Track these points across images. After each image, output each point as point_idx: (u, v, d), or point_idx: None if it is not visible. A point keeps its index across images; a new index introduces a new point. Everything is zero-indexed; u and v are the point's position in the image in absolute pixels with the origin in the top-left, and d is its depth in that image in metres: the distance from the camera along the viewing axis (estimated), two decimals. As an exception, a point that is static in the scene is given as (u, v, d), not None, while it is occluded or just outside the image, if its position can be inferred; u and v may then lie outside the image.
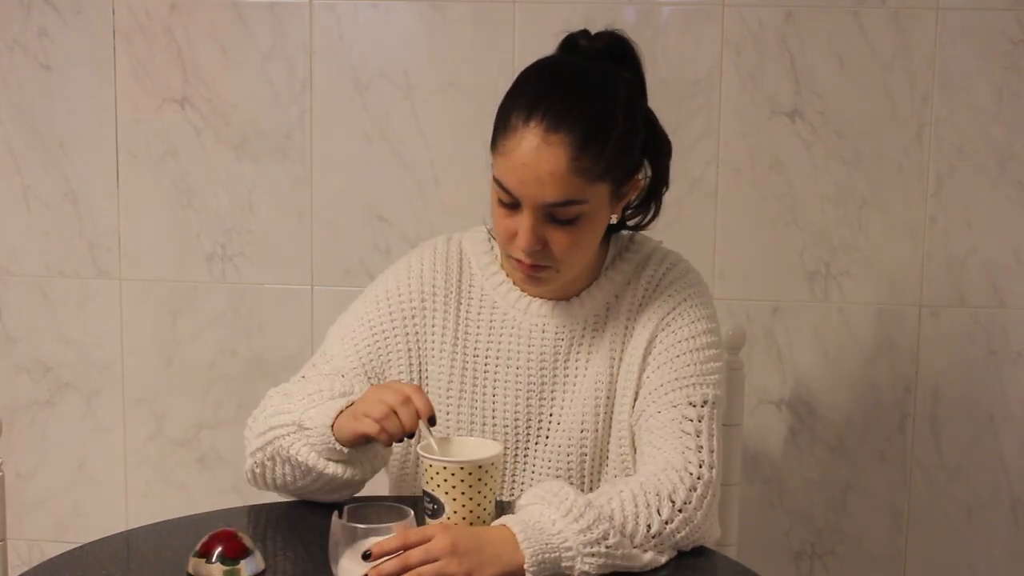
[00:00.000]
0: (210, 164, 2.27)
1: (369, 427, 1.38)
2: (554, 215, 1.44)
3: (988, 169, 2.13)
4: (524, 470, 1.57)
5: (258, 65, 2.24)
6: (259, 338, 2.30)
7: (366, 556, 1.21)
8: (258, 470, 1.52)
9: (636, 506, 1.34)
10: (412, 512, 1.25)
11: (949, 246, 2.15)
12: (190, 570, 1.29)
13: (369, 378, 1.57)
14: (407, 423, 1.37)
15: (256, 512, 1.53)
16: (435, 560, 1.23)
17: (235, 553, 1.28)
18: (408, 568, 1.21)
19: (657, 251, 1.60)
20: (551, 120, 1.41)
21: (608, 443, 1.55)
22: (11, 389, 2.37)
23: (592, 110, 1.43)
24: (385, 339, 1.59)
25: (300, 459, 1.45)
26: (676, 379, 1.50)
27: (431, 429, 1.38)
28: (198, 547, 1.29)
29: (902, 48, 2.11)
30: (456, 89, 2.19)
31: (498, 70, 2.15)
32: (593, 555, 1.29)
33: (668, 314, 1.54)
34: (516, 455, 1.57)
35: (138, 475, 2.36)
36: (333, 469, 1.45)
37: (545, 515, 1.30)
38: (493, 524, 1.31)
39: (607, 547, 1.30)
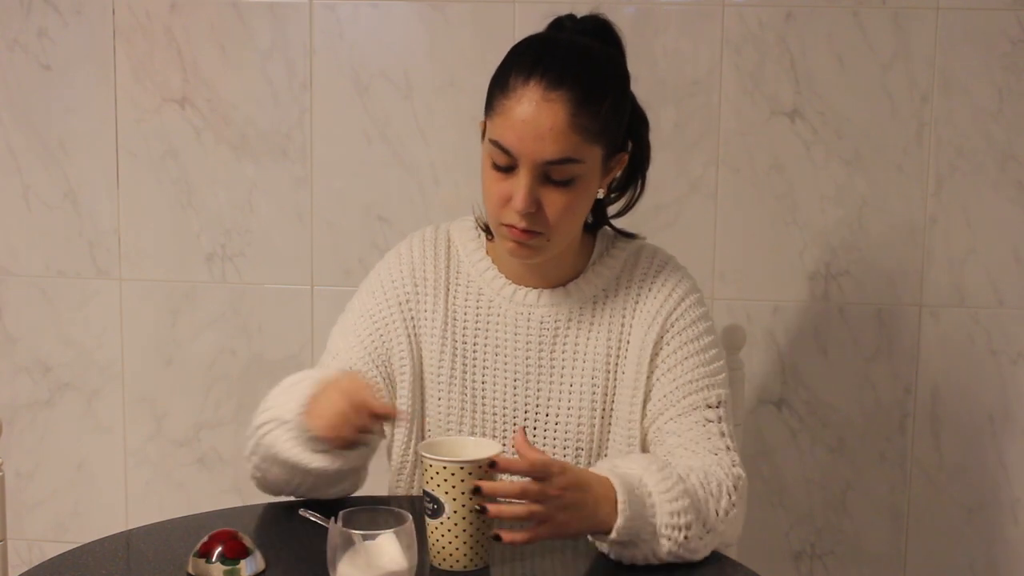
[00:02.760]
0: (210, 164, 2.27)
1: (323, 432, 1.40)
2: (550, 175, 1.45)
3: (988, 169, 2.13)
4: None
5: (258, 65, 2.24)
6: (259, 338, 2.30)
7: (492, 464, 1.27)
8: (258, 475, 1.52)
9: (706, 493, 1.39)
10: (411, 517, 1.24)
11: (949, 246, 2.15)
12: (190, 570, 1.29)
13: (378, 367, 1.58)
14: (360, 426, 1.38)
15: (256, 512, 1.53)
16: (545, 501, 1.27)
17: (235, 553, 1.28)
18: (523, 495, 1.26)
19: (645, 247, 1.62)
20: (551, 78, 1.44)
21: (607, 440, 1.56)
22: (11, 389, 2.37)
23: (589, 72, 1.46)
24: (386, 326, 1.60)
25: (283, 457, 1.44)
26: (689, 383, 1.53)
27: (397, 424, 1.38)
28: (198, 547, 1.29)
29: (902, 48, 2.11)
30: (456, 89, 2.20)
31: (498, 70, 2.15)
32: (669, 539, 1.32)
33: (671, 315, 1.55)
34: (506, 444, 1.57)
35: (138, 475, 2.36)
36: (319, 462, 1.43)
37: (645, 487, 1.34)
38: (600, 474, 1.33)
39: (686, 537, 1.33)
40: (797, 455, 2.22)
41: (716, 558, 1.40)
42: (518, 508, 1.27)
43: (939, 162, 2.14)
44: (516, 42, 1.55)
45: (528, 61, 1.46)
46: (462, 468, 1.31)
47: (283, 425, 1.44)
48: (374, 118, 2.22)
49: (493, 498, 1.28)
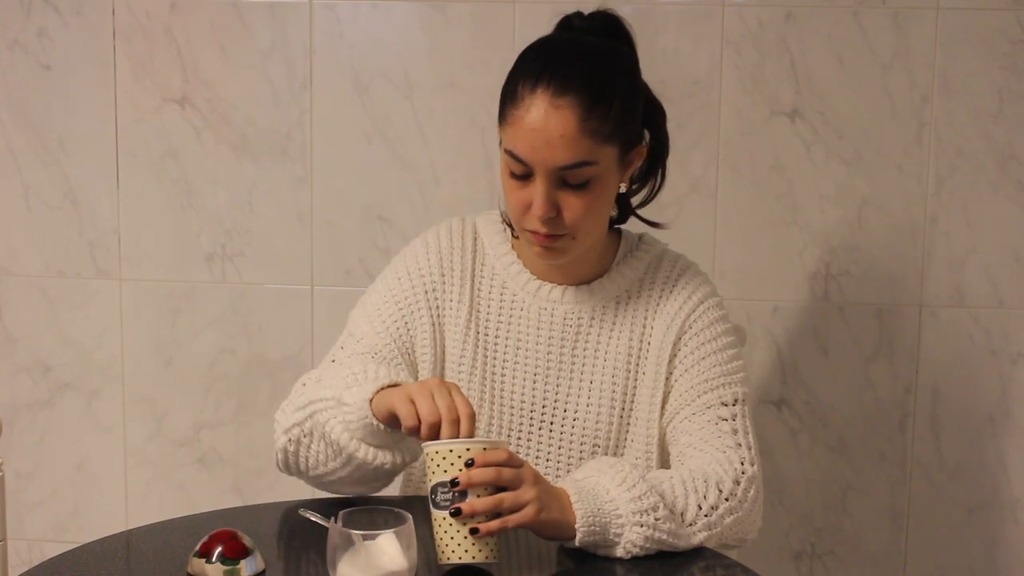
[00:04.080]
0: (210, 164, 2.27)
1: (406, 414, 1.34)
2: (566, 179, 1.46)
3: (988, 169, 2.13)
4: (528, 455, 1.58)
5: (258, 65, 2.24)
6: (259, 338, 2.30)
7: (469, 463, 1.28)
8: (291, 448, 1.48)
9: (685, 489, 1.40)
10: (411, 517, 1.24)
11: (949, 246, 2.15)
12: (190, 570, 1.29)
13: (402, 354, 1.58)
14: (443, 436, 1.33)
15: (256, 512, 1.53)
16: (520, 485, 1.30)
17: (235, 553, 1.28)
18: (499, 479, 1.29)
19: (668, 252, 1.64)
20: (557, 85, 1.44)
21: (625, 439, 1.58)
22: (11, 389, 2.37)
23: (596, 74, 1.46)
24: (412, 313, 1.60)
25: (333, 437, 1.43)
26: (705, 381, 1.54)
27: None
28: (198, 547, 1.29)
29: (902, 48, 2.11)
30: (456, 89, 2.19)
31: (498, 70, 2.13)
32: (641, 525, 1.34)
33: (689, 316, 1.57)
34: (520, 438, 1.58)
35: (138, 475, 2.36)
36: (364, 453, 1.42)
37: (600, 483, 1.37)
38: (554, 485, 1.36)
39: (656, 519, 1.35)
40: (797, 455, 2.22)
41: (716, 558, 1.40)
42: (487, 499, 1.29)
43: (939, 162, 2.14)
44: (521, 44, 1.54)
45: (534, 68, 1.46)
46: (484, 449, 1.31)
47: (342, 407, 1.42)
48: (374, 118, 2.22)
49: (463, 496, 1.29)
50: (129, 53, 2.26)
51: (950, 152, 2.13)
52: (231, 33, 2.23)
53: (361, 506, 1.28)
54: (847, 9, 2.11)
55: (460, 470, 1.29)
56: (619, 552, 1.35)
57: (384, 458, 1.43)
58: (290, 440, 1.48)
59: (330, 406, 1.44)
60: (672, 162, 2.14)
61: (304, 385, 1.53)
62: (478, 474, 1.28)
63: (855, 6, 2.11)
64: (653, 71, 2.15)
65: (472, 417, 1.34)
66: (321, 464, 1.47)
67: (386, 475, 1.47)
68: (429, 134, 2.22)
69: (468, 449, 1.30)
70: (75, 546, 1.39)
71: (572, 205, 1.47)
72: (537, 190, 1.46)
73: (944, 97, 2.12)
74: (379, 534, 1.22)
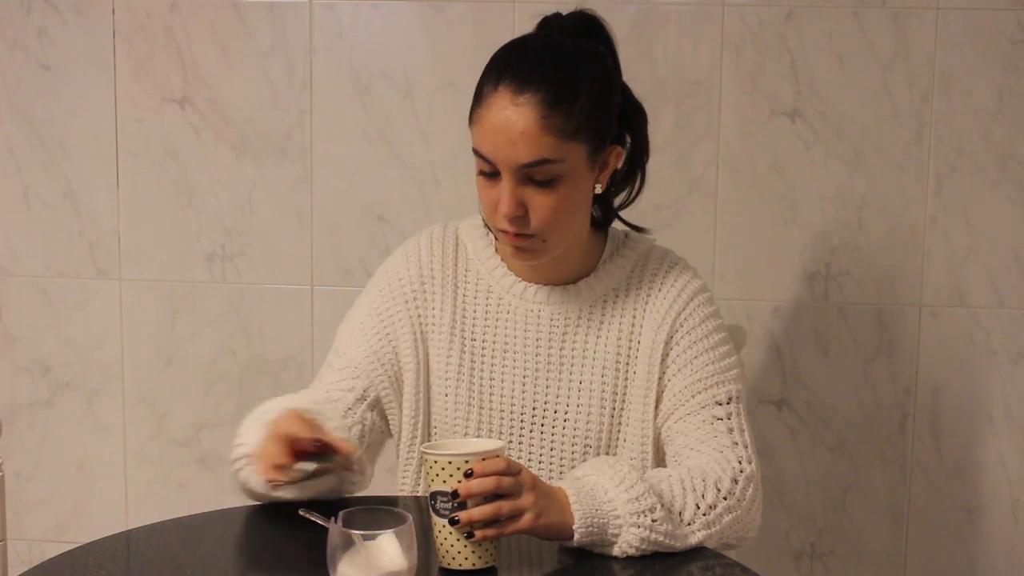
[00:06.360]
0: (210, 164, 2.27)
1: (263, 476, 1.43)
2: (531, 176, 1.46)
3: (988, 169, 2.13)
4: (520, 458, 1.58)
5: (258, 65, 2.24)
6: (259, 338, 2.30)
7: (468, 474, 1.28)
8: (246, 496, 1.55)
9: (683, 488, 1.40)
10: (411, 517, 1.24)
11: (949, 246, 2.15)
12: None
13: (383, 366, 1.59)
14: (286, 463, 1.41)
15: (256, 512, 1.53)
16: (519, 492, 1.30)
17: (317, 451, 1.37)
18: (498, 488, 1.29)
19: (655, 249, 1.63)
20: (518, 82, 1.44)
21: (617, 439, 1.57)
22: (11, 389, 2.37)
23: (559, 71, 1.46)
24: (393, 324, 1.61)
25: (255, 489, 1.50)
26: (698, 381, 1.53)
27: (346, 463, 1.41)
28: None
29: (902, 48, 2.11)
30: (456, 89, 2.19)
31: (498, 70, 2.14)
32: (638, 527, 1.34)
33: (680, 314, 1.56)
34: (511, 441, 1.58)
35: (138, 475, 2.36)
36: (287, 494, 1.46)
37: (599, 483, 1.37)
38: (552, 486, 1.36)
39: (652, 520, 1.34)
40: (797, 455, 2.22)
41: (715, 557, 1.40)
42: (485, 508, 1.29)
43: (939, 162, 2.14)
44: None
45: (497, 68, 1.48)
46: (484, 460, 1.31)
47: (253, 460, 1.48)
48: (374, 118, 2.22)
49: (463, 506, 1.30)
50: (129, 53, 2.26)
51: (950, 152, 2.13)
52: (231, 33, 2.23)
53: (361, 506, 1.28)
54: (847, 9, 2.11)
55: (459, 481, 1.30)
56: (615, 552, 1.35)
57: (307, 492, 1.46)
58: (238, 488, 1.55)
59: (244, 465, 1.51)
60: (672, 162, 2.16)
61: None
62: (477, 485, 1.29)
63: (855, 6, 2.11)
64: (653, 71, 2.16)
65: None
66: (277, 499, 1.50)
67: (332, 492, 1.49)
68: (429, 134, 2.22)
69: (467, 461, 1.30)
70: (75, 546, 1.39)
71: (539, 204, 1.47)
72: (503, 188, 1.46)
73: (944, 97, 2.12)
74: (379, 534, 1.22)
